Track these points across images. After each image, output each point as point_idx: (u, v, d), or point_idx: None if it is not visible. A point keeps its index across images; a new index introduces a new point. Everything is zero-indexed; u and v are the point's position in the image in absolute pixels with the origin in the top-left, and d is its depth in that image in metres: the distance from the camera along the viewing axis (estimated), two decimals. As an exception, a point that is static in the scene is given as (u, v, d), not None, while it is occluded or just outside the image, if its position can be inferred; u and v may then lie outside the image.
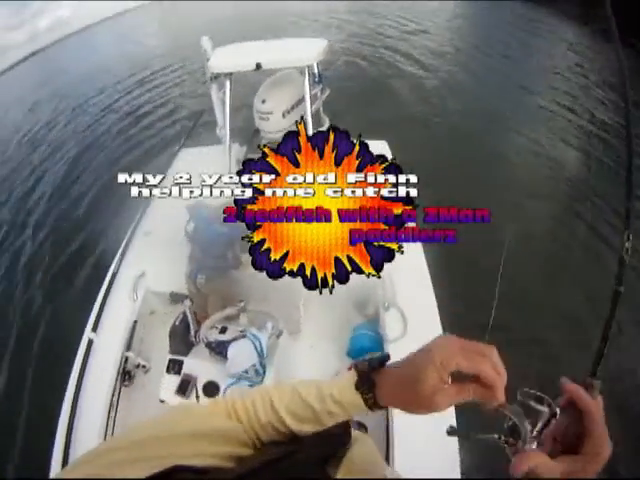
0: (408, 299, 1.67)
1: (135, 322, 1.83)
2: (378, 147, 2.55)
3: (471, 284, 2.46)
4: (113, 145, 6.07)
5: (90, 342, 1.68)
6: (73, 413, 1.48)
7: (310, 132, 1.96)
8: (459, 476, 1.22)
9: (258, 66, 2.13)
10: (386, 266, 1.61)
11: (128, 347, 1.77)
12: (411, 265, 1.76)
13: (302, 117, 2.43)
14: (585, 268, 2.90)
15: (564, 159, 4.07)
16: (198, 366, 1.58)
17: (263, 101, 2.31)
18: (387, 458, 1.33)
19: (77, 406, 1.50)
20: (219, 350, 1.56)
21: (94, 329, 1.73)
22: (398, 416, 1.35)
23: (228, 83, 2.34)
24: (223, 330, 1.76)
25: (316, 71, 2.38)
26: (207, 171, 2.13)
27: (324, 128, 2.53)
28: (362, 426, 1.33)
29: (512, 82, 5.69)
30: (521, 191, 3.59)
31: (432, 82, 5.98)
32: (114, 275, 1.93)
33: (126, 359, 1.76)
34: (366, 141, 2.16)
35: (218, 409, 0.51)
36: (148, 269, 1.92)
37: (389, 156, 2.19)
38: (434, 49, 7.13)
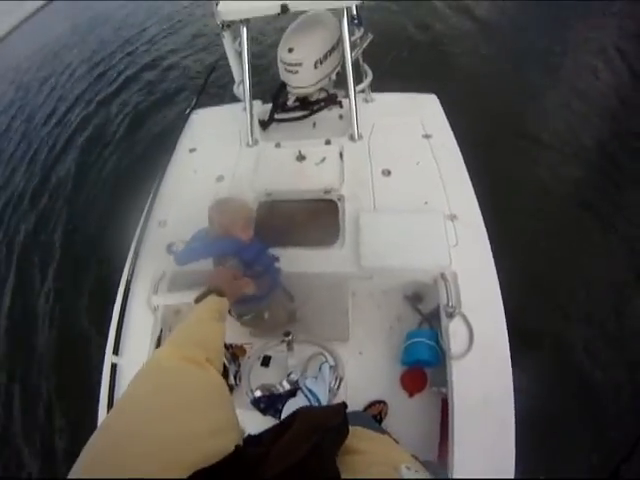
0: (474, 307, 1.69)
1: (161, 331, 1.91)
2: (427, 102, 2.61)
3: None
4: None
5: (114, 367, 1.78)
6: None
7: (351, 87, 2.06)
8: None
9: (284, 9, 2.07)
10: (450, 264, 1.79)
11: None
12: (477, 264, 1.81)
13: (337, 70, 2.47)
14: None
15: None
16: (243, 418, 1.63)
17: (290, 50, 2.32)
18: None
19: None
20: (268, 411, 1.61)
21: (115, 351, 1.81)
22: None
23: (245, 31, 2.33)
24: (266, 361, 1.88)
25: (355, 12, 2.37)
26: (225, 135, 2.25)
27: (367, 82, 2.59)
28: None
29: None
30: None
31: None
32: (129, 282, 1.99)
33: None
34: (414, 94, 2.20)
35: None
36: (168, 268, 1.98)
37: (439, 112, 2.25)
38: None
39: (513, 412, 1.45)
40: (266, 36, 6.03)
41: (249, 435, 0.70)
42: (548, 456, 2.32)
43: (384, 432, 1.52)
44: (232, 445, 0.56)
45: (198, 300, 1.12)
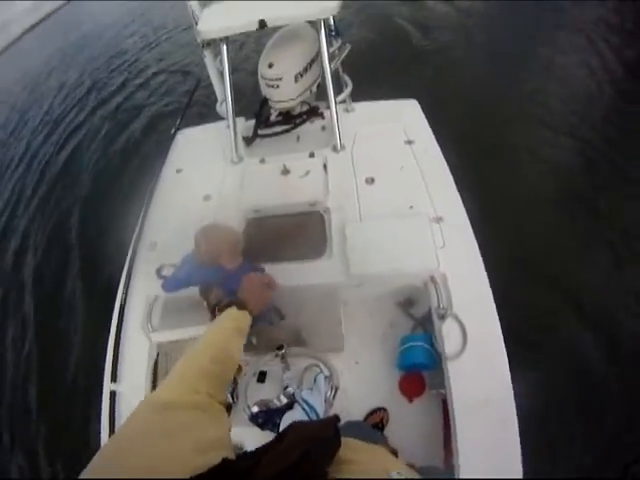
0: (465, 307, 1.68)
1: (157, 355, 1.90)
2: (408, 107, 2.63)
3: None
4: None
5: (113, 394, 1.76)
6: None
7: (331, 98, 2.08)
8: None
9: (262, 24, 2.07)
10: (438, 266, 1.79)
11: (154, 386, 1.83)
12: (466, 264, 1.81)
13: (317, 82, 2.50)
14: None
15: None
16: (242, 434, 1.63)
17: (270, 65, 2.32)
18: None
19: None
20: (266, 425, 1.58)
21: (113, 378, 1.79)
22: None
23: (225, 49, 2.33)
24: (262, 377, 1.87)
25: (332, 23, 2.39)
26: (210, 153, 2.27)
27: (347, 92, 2.62)
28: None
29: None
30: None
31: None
32: (122, 308, 1.98)
33: None
34: (395, 101, 2.21)
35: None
36: (160, 292, 1.93)
37: (420, 117, 2.25)
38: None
39: (514, 408, 1.44)
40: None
41: (245, 452, 0.71)
42: (555, 453, 2.32)
43: (384, 440, 1.53)
44: None
45: (220, 310, 1.19)
